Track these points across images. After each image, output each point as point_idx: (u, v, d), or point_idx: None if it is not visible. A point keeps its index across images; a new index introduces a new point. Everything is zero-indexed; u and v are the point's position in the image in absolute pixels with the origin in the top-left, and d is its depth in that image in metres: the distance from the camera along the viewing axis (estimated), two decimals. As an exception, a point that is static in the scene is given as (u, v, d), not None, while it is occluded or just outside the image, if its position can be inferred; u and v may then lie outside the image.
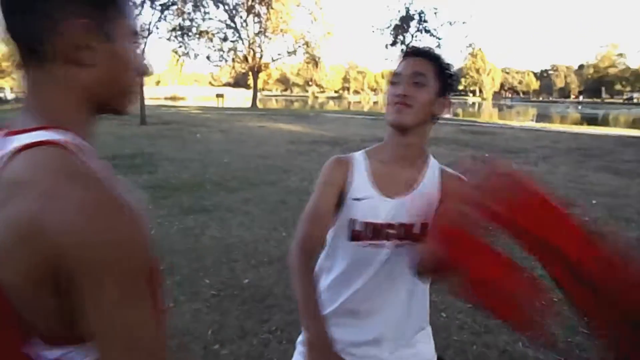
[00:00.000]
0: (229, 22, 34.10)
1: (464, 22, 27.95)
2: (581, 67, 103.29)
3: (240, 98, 50.17)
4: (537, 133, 16.50)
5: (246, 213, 5.14)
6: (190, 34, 27.35)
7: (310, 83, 76.42)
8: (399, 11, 26.58)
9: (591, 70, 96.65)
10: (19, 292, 0.56)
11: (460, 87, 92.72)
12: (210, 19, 31.78)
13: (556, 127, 20.51)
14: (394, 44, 27.57)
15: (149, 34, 19.13)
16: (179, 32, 25.78)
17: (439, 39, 26.96)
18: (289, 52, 37.68)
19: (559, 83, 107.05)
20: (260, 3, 34.19)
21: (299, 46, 37.11)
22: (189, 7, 25.67)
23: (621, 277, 0.81)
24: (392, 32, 27.71)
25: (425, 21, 26.08)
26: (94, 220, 0.54)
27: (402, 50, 1.27)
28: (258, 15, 35.11)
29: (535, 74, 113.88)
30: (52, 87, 0.62)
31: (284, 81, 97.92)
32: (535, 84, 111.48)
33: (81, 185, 0.56)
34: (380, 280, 1.20)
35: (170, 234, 4.37)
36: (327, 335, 1.10)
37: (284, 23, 35.66)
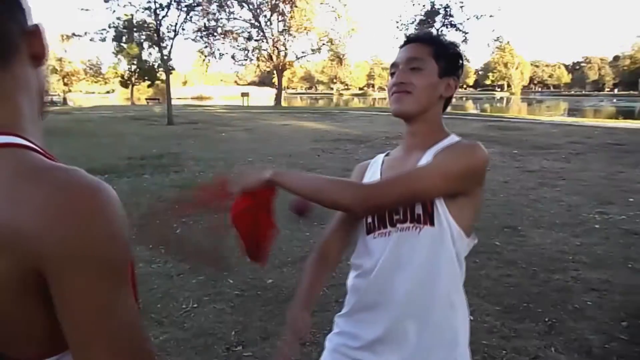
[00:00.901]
0: (253, 21, 34.36)
1: (491, 16, 27.29)
2: (616, 58, 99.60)
3: (265, 96, 50.52)
4: (569, 128, 15.95)
5: (270, 212, 5.15)
6: (215, 34, 27.66)
7: (334, 80, 76.28)
8: (423, 6, 26.19)
9: (627, 62, 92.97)
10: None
11: (488, 82, 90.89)
12: (234, 18, 32.13)
13: (589, 121, 19.79)
14: (418, 39, 27.19)
15: (175, 35, 19.45)
16: (205, 33, 26.11)
17: (466, 33, 26.43)
18: (313, 50, 37.74)
19: (592, 75, 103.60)
20: (284, 2, 34.31)
21: (323, 44, 37.11)
22: (214, 7, 25.96)
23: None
24: (416, 27, 27.34)
25: (450, 15, 25.60)
26: (70, 213, 0.52)
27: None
28: (282, 13, 35.26)
29: (566, 67, 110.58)
30: (9, 87, 0.61)
31: (308, 79, 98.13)
32: (566, 77, 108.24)
33: (52, 180, 0.54)
34: (391, 269, 1.13)
35: (194, 234, 4.40)
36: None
37: (307, 21, 35.69)
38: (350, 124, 17.17)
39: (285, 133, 13.94)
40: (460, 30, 26.28)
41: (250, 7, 33.08)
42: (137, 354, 0.56)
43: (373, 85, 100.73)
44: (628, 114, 28.11)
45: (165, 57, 19.66)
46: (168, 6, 18.30)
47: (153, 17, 18.64)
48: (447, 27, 25.82)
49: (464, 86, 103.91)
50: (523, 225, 4.70)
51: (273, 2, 33.96)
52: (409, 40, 1.19)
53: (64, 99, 44.60)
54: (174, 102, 20.13)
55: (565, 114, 30.10)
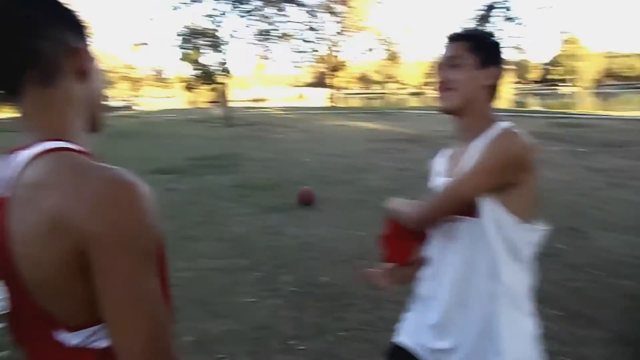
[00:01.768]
0: (309, 23, 34.75)
1: (550, 7, 25.77)
2: None
3: (320, 97, 50.86)
4: (645, 124, 14.77)
5: (324, 212, 5.23)
6: (272, 37, 28.29)
7: (389, 80, 75.37)
8: (481, 3, 25.20)
9: None
10: (49, 282, 0.65)
11: (554, 77, 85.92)
12: (290, 21, 32.65)
13: (669, 116, 18.20)
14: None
15: (234, 40, 20.12)
16: (262, 36, 26.78)
17: (524, 26, 25.14)
18: (368, 50, 37.57)
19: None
20: (339, 2, 34.42)
21: (379, 43, 36.84)
22: (270, 11, 26.56)
23: None
24: (477, 23, 26.42)
25: (508, 9, 24.47)
26: (110, 205, 0.62)
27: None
28: (337, 14, 35.38)
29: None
30: (58, 102, 0.72)
31: (363, 79, 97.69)
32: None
33: (96, 178, 0.64)
34: (439, 259, 1.27)
35: (252, 232, 4.58)
36: None
37: (362, 21, 35.59)
38: (406, 124, 16.93)
39: (340, 133, 14.01)
40: (520, 24, 25.04)
41: (306, 9, 33.49)
42: (160, 334, 0.64)
43: (430, 84, 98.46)
44: None
45: (224, 62, 20.41)
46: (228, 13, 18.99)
47: (214, 23, 19.42)
48: (506, 21, 24.71)
49: (526, 81, 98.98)
50: (588, 227, 4.45)
51: (328, 3, 34.18)
52: (450, 39, 1.27)
53: (133, 103, 47.42)
54: (232, 104, 20.83)
55: (641, 109, 27.83)
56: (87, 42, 0.76)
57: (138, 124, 19.58)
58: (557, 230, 4.34)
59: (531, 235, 1.18)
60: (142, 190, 0.66)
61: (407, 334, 1.35)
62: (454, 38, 1.26)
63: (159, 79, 55.10)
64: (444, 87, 1.22)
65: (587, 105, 36.46)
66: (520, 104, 35.08)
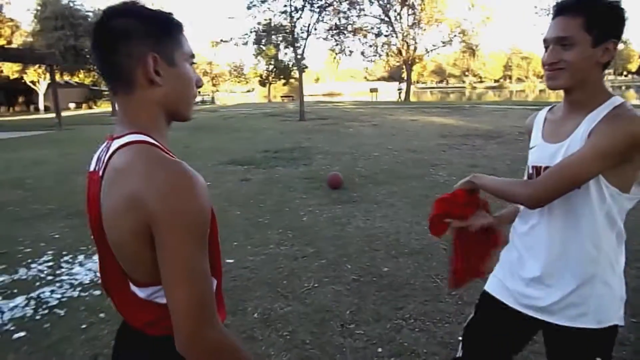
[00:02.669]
0: (383, 16, 34.34)
1: None
2: None
3: (394, 92, 50.18)
4: None
5: (391, 205, 5.27)
6: (345, 32, 28.36)
7: (467, 73, 72.42)
8: None
9: None
10: (126, 247, 0.84)
11: (657, 68, 77.38)
12: (365, 15, 32.46)
13: None
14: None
15: (308, 35, 20.49)
16: (335, 31, 26.95)
17: (621, 9, 22.88)
18: (444, 42, 36.40)
19: None
20: (414, -6, 33.64)
21: (455, 35, 35.53)
22: (344, 6, 26.64)
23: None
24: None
25: None
26: (173, 192, 0.77)
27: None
28: (412, 7, 34.61)
29: None
30: (136, 104, 0.88)
31: (439, 72, 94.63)
32: None
33: (164, 168, 0.79)
34: (541, 222, 1.29)
35: (319, 222, 4.75)
36: None
37: (438, 12, 34.51)
38: (481, 119, 16.29)
39: (412, 128, 13.82)
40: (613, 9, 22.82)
41: (380, 2, 33.12)
42: (202, 299, 0.80)
43: (510, 77, 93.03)
44: None
45: (299, 57, 20.87)
46: (302, 8, 19.35)
47: (289, 19, 19.91)
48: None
49: (625, 73, 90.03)
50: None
51: (403, -5, 33.55)
52: (558, 11, 1.19)
53: (212, 98, 50.02)
54: (306, 99, 21.28)
55: None
56: (162, 49, 0.87)
57: (217, 117, 20.68)
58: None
59: (628, 205, 1.22)
60: (198, 181, 0.80)
61: (498, 284, 1.43)
62: (565, 10, 1.17)
63: (237, 75, 57.57)
64: (553, 68, 1.18)
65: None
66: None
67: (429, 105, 26.90)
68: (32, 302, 3.14)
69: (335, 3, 21.61)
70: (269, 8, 20.56)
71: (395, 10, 34.93)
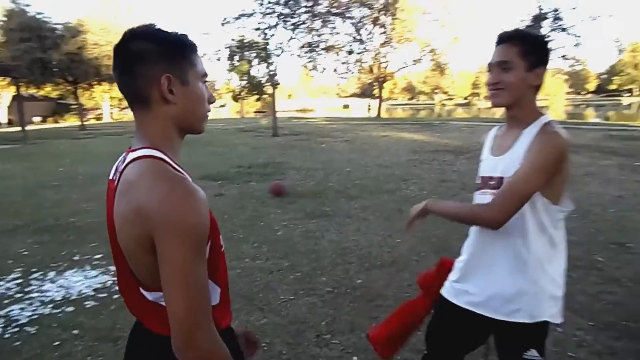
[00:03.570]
0: (355, 35, 35.03)
1: (610, 16, 24.69)
2: None
3: (365, 108, 50.97)
4: None
5: (363, 219, 5.39)
6: (318, 49, 28.77)
7: (437, 91, 74.35)
8: (528, 14, 24.44)
9: None
10: (133, 253, 0.90)
11: (614, 87, 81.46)
12: (337, 33, 33.05)
13: None
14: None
15: (281, 52, 20.72)
16: (308, 48, 27.32)
17: (577, 37, 24.15)
18: (414, 61, 37.36)
19: None
20: (385, 14, 34.53)
21: (425, 54, 36.58)
22: (317, 24, 27.09)
23: None
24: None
25: (560, 19, 23.55)
26: (172, 205, 0.83)
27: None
28: (383, 26, 35.46)
29: None
30: (151, 120, 0.96)
31: (410, 90, 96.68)
32: None
33: (167, 183, 0.86)
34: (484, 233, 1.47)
35: (294, 236, 4.81)
36: None
37: (409, 32, 35.49)
38: (451, 135, 16.77)
39: (384, 144, 14.09)
40: (571, 34, 24.07)
41: (352, 21, 33.82)
42: (198, 305, 0.85)
43: (478, 95, 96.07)
44: None
45: (272, 73, 21.03)
46: (275, 26, 19.61)
47: (262, 36, 20.11)
48: (556, 32, 23.83)
49: (583, 92, 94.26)
50: (634, 243, 4.35)
51: (374, 15, 34.37)
52: (499, 40, 1.41)
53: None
54: (279, 114, 21.38)
55: None
56: (175, 69, 0.94)
57: (190, 132, 20.45)
58: (601, 244, 4.31)
59: (558, 215, 1.39)
60: (197, 195, 0.86)
61: (448, 286, 1.62)
62: (504, 40, 1.39)
63: (210, 90, 57.12)
64: (496, 88, 1.39)
65: (649, 117, 34.38)
66: (576, 115, 33.62)
67: (400, 122, 27.46)
68: (1, 321, 3.06)
69: (308, 21, 21.97)
70: (242, 25, 20.74)
71: (366, 29, 35.69)
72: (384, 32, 35.85)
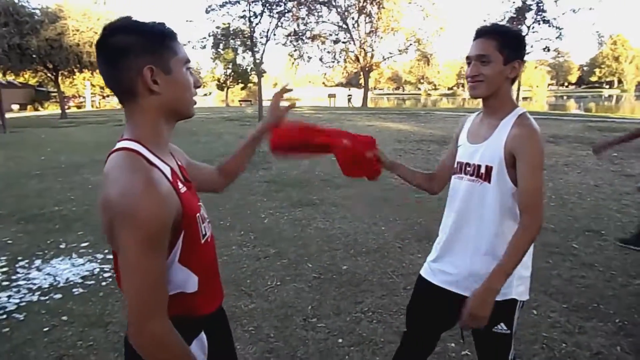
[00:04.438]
0: (341, 24, 34.93)
1: (590, 9, 25.13)
2: None
3: (352, 97, 50.97)
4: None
5: (349, 207, 5.48)
6: (304, 38, 28.63)
7: (422, 81, 74.66)
8: (513, 2, 24.69)
9: None
10: (111, 240, 0.94)
11: (595, 79, 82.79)
12: (323, 22, 32.93)
13: None
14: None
15: (267, 41, 20.59)
16: (294, 37, 27.17)
17: (560, 29, 24.49)
18: (400, 50, 37.45)
19: None
20: (371, 3, 34.45)
21: (410, 44, 36.68)
22: (303, 12, 26.93)
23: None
24: (507, 24, 25.92)
25: (543, 11, 23.84)
26: (126, 197, 0.87)
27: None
28: (369, 15, 35.44)
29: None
30: (138, 112, 0.99)
31: (396, 79, 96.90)
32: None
33: (129, 176, 0.89)
34: (460, 211, 1.56)
35: (280, 224, 4.88)
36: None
37: (395, 21, 35.52)
38: (436, 125, 16.94)
39: (369, 133, 14.12)
40: (553, 26, 24.41)
41: (338, 10, 33.70)
42: (148, 296, 0.89)
43: (463, 85, 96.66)
44: None
45: (257, 61, 20.91)
46: (261, 14, 19.46)
47: (247, 24, 19.94)
48: (539, 24, 24.12)
49: (565, 84, 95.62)
50: (608, 230, 4.52)
51: (361, 4, 34.29)
52: (477, 34, 1.48)
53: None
54: (264, 103, 21.31)
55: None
56: (157, 60, 0.96)
57: (174, 121, 20.23)
58: (576, 231, 4.48)
59: None
60: (153, 189, 0.89)
61: (426, 266, 1.72)
62: (483, 34, 1.47)
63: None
64: (475, 80, 1.47)
65: (629, 109, 35.17)
66: (558, 107, 34.16)
67: (386, 111, 27.59)
68: (-11, 308, 3.08)
69: (294, 9, 21.82)
70: (227, 12, 20.52)
71: (353, 18, 35.64)
72: (370, 22, 35.83)
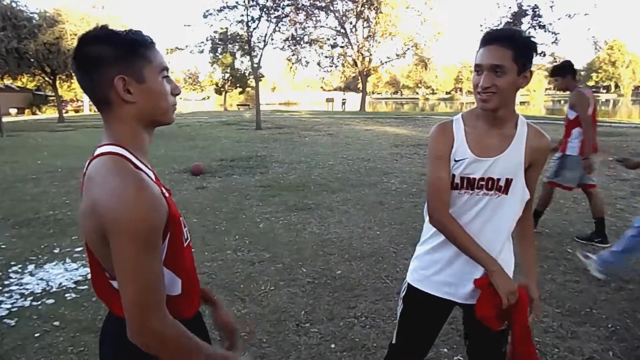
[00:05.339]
0: (339, 28, 35.05)
1: (586, 14, 25.19)
2: None
3: (350, 102, 51.06)
4: (683, 134, 14.31)
5: (345, 212, 5.48)
6: (302, 42, 28.70)
7: (420, 85, 74.87)
8: (509, 8, 24.78)
9: None
10: (94, 245, 0.95)
11: (591, 83, 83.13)
12: (321, 26, 33.02)
13: None
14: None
15: (265, 45, 20.61)
16: (292, 42, 27.23)
17: (556, 34, 24.62)
18: (398, 55, 37.58)
19: None
20: (369, 8, 34.61)
21: (408, 48, 36.81)
22: (301, 17, 27.00)
23: None
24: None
25: (539, 16, 23.95)
26: (118, 200, 0.87)
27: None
28: (367, 20, 35.59)
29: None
30: (113, 120, 1.00)
31: (393, 84, 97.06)
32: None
33: (119, 179, 0.89)
34: (472, 225, 1.48)
35: (275, 228, 4.88)
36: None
37: (392, 26, 35.66)
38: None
39: (367, 138, 14.20)
40: (549, 31, 24.53)
41: (336, 15, 33.81)
42: (145, 295, 0.90)
43: (461, 89, 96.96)
44: None
45: (255, 66, 20.92)
46: (259, 18, 19.47)
47: (245, 29, 19.96)
48: (534, 29, 24.22)
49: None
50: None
51: (359, 8, 34.42)
52: (490, 40, 1.35)
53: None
54: (262, 107, 21.34)
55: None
56: (129, 69, 0.95)
57: (171, 125, 20.21)
58: (571, 235, 4.48)
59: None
60: (145, 192, 0.89)
61: (421, 278, 1.63)
62: (496, 40, 1.34)
63: (192, 82, 56.70)
64: (488, 92, 1.35)
65: (625, 113, 35.30)
66: (556, 111, 34.23)
67: (383, 116, 27.65)
68: (-20, 313, 3.06)
69: (292, 14, 21.87)
70: (225, 17, 20.56)
71: (350, 23, 35.76)
72: (368, 26, 35.97)
